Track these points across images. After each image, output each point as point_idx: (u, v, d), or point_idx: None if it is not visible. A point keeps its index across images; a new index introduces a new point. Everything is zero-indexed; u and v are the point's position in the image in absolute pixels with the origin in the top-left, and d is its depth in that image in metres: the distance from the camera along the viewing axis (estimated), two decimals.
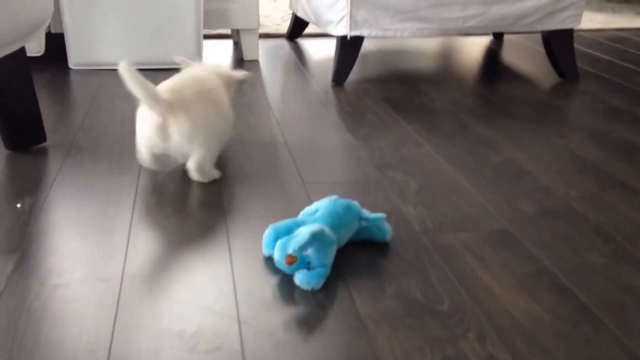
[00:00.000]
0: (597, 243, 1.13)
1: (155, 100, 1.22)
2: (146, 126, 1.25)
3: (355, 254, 1.07)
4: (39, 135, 1.47)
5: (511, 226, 1.18)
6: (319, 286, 0.97)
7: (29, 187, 1.28)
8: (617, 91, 2.04)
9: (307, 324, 0.89)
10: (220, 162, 1.41)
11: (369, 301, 0.95)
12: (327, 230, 1.01)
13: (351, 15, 1.95)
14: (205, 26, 2.22)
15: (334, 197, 1.11)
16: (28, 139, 1.46)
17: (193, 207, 1.22)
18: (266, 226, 1.07)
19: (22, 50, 1.39)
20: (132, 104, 1.79)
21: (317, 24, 2.23)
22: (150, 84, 1.21)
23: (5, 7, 1.17)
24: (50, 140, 1.50)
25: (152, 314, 0.91)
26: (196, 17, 2.10)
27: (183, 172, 1.36)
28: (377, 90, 1.99)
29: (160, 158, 1.31)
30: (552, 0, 2.04)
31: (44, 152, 1.45)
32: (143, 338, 0.86)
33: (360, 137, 1.60)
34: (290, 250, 0.97)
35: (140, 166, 1.38)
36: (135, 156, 1.43)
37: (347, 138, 1.59)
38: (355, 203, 1.11)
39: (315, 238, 0.98)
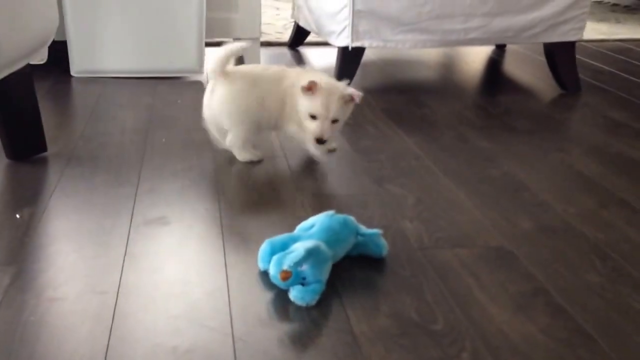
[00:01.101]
0: (594, 262, 1.13)
1: (218, 68, 1.43)
2: (205, 92, 1.48)
3: (351, 270, 1.07)
4: (40, 145, 1.47)
5: (508, 243, 1.18)
6: (313, 302, 0.97)
7: (28, 198, 1.29)
8: (619, 104, 2.04)
9: (302, 341, 0.90)
10: (218, 175, 1.42)
11: (364, 319, 0.95)
12: (323, 246, 1.01)
13: (353, 26, 1.96)
14: (208, 35, 2.23)
15: (330, 212, 1.11)
16: (29, 148, 1.46)
17: (191, 220, 1.22)
18: (263, 241, 1.07)
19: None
20: (133, 113, 1.80)
21: (318, 33, 2.24)
22: (227, 56, 1.43)
23: (13, 24, 1.18)
24: (51, 149, 1.50)
25: (148, 328, 0.91)
26: (198, 26, 2.11)
27: (182, 183, 1.36)
28: (377, 101, 1.99)
29: (218, 131, 1.50)
30: (554, 12, 2.04)
31: (44, 161, 1.46)
32: (138, 353, 0.86)
33: (359, 149, 1.60)
34: (285, 266, 0.97)
35: (139, 178, 1.38)
36: (134, 168, 1.44)
37: (347, 150, 1.59)
38: (351, 218, 1.11)
39: (311, 254, 0.98)
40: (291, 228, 1.20)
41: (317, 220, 1.09)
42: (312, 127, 1.42)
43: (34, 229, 1.17)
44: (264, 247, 1.05)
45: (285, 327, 0.92)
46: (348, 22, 1.95)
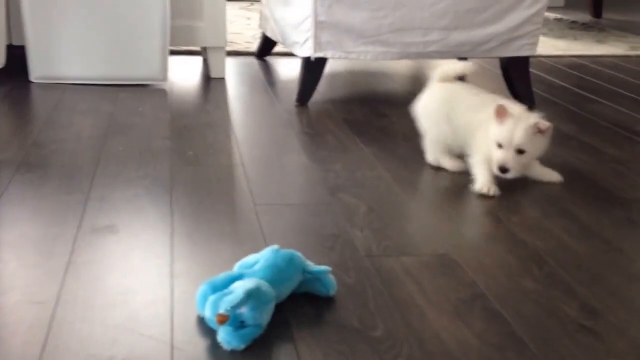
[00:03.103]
0: (532, 269, 1.16)
1: (441, 74, 1.64)
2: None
3: None
4: None
5: (452, 251, 1.21)
6: (241, 347, 0.90)
7: None
8: (569, 118, 2.10)
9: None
10: (173, 183, 1.43)
11: (305, 326, 0.97)
12: (265, 287, 0.95)
13: (315, 37, 1.99)
14: (173, 43, 2.24)
15: (275, 247, 1.04)
16: None
17: (140, 228, 1.23)
18: (213, 251, 1.07)
19: None
20: (91, 120, 1.80)
21: (284, 44, 2.27)
22: (454, 69, 1.63)
23: None
24: (1, 156, 1.48)
25: (84, 339, 0.91)
26: (162, 33, 2.12)
27: (135, 192, 1.37)
28: (339, 111, 2.02)
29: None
30: (509, 28, 2.09)
31: None
32: None
33: (316, 159, 1.63)
34: (222, 310, 0.90)
35: (91, 186, 1.39)
36: (86, 175, 1.43)
37: (304, 160, 1.62)
38: (298, 254, 1.04)
39: (251, 296, 0.92)
40: (243, 237, 1.22)
41: (262, 257, 1.03)
42: (496, 155, 1.43)
43: None
44: (203, 289, 0.97)
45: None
46: (311, 32, 1.98)
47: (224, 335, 0.90)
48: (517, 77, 2.19)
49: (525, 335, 0.97)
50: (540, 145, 1.45)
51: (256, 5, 3.71)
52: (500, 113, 1.42)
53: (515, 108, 1.46)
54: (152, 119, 1.84)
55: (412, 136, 1.78)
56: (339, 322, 0.98)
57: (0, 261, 1.09)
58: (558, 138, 1.88)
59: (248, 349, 0.91)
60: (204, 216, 1.29)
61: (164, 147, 1.62)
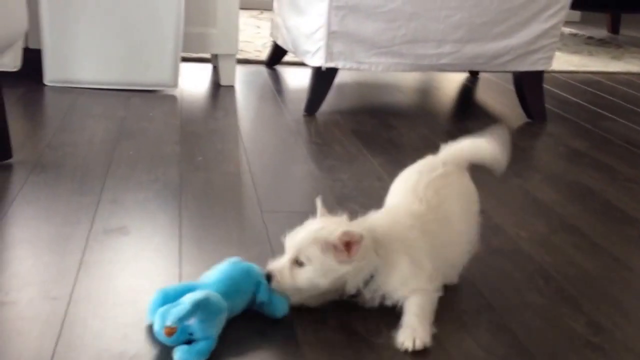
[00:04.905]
0: (539, 283, 1.16)
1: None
2: None
3: None
4: (5, 152, 1.48)
5: None
6: None
7: None
8: (581, 134, 2.10)
9: (247, 346, 0.92)
10: (183, 188, 1.44)
11: (310, 330, 0.97)
12: (215, 297, 0.93)
13: (327, 47, 2.00)
14: (185, 49, 2.26)
15: (235, 258, 1.03)
16: None
17: (150, 231, 1.24)
18: (220, 255, 1.08)
19: None
20: (103, 124, 1.82)
21: (295, 53, 2.28)
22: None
23: None
24: (16, 157, 1.51)
25: (96, 334, 0.93)
26: (175, 39, 2.14)
27: (145, 195, 1.38)
28: (347, 122, 2.03)
29: None
30: (524, 42, 2.09)
31: (8, 168, 1.47)
32: (84, 358, 0.87)
33: (324, 168, 1.63)
34: (169, 322, 0.89)
35: (103, 188, 1.40)
36: (98, 178, 1.45)
37: (312, 169, 1.63)
38: (256, 268, 1.02)
39: (199, 307, 0.90)
40: (249, 243, 1.22)
41: (219, 269, 1.01)
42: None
43: None
44: (156, 297, 0.95)
45: (233, 335, 0.94)
46: (323, 42, 1.99)
47: (180, 355, 0.87)
48: (530, 92, 2.19)
49: (532, 349, 0.97)
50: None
51: (266, 14, 3.73)
52: None
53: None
54: (163, 125, 1.86)
55: (420, 148, 1.79)
56: (345, 326, 0.99)
57: (16, 258, 1.12)
58: (570, 155, 1.88)
59: (253, 351, 0.92)
60: (212, 221, 1.30)
61: (173, 152, 1.63)
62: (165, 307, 0.91)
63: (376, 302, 1.03)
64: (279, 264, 1.00)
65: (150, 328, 0.93)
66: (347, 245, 0.97)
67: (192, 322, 0.89)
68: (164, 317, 0.90)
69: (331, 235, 0.98)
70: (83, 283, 1.05)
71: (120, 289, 1.05)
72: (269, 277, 0.99)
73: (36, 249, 1.15)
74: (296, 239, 1.00)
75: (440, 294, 1.03)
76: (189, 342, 0.90)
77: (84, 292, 1.03)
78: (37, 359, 0.86)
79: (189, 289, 0.95)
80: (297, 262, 0.99)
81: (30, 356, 0.87)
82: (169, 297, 0.94)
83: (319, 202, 1.07)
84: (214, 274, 0.99)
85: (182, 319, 0.88)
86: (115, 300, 1.01)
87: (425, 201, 1.09)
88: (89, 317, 0.96)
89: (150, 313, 0.94)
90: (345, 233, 0.97)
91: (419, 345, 0.94)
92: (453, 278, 1.12)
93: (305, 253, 0.98)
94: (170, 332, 0.88)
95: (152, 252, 1.17)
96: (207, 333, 0.90)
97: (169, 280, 1.08)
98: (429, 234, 1.06)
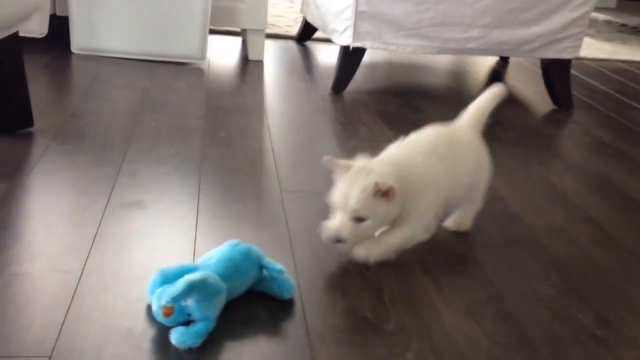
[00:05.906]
0: (550, 274, 1.16)
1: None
2: None
3: (313, 266, 1.11)
4: (26, 119, 1.48)
5: (472, 251, 1.21)
6: (196, 345, 0.88)
7: (7, 173, 1.30)
8: (607, 124, 2.06)
9: (258, 328, 0.93)
10: (203, 163, 1.45)
11: (319, 315, 0.99)
12: (213, 278, 0.93)
13: (355, 27, 1.99)
14: (213, 23, 2.26)
15: (234, 241, 1.03)
16: (14, 122, 1.47)
17: (167, 206, 1.25)
18: (236, 233, 1.09)
19: (15, 32, 1.39)
20: (127, 94, 1.84)
21: (323, 30, 2.28)
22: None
23: None
24: (38, 125, 1.51)
25: (105, 309, 0.94)
26: (203, 12, 2.15)
27: (165, 169, 1.40)
28: (373, 102, 2.02)
29: None
30: (552, 29, 2.06)
31: (29, 136, 1.48)
32: (91, 332, 0.89)
33: (346, 148, 1.64)
34: (163, 302, 0.89)
35: (123, 160, 1.42)
36: (119, 149, 1.47)
37: (334, 149, 1.63)
38: (255, 249, 1.02)
39: (194, 288, 0.90)
40: (266, 221, 1.24)
41: (219, 250, 1.01)
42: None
43: (9, 204, 1.19)
44: (154, 277, 0.96)
45: (235, 318, 0.95)
46: (351, 22, 1.99)
47: (176, 336, 0.88)
48: (557, 80, 2.16)
49: (536, 339, 0.98)
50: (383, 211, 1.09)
51: None
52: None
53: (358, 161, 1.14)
54: (187, 98, 1.87)
55: None
56: (353, 312, 1.00)
57: (30, 229, 1.13)
58: (594, 145, 1.86)
59: (260, 336, 0.93)
60: (230, 198, 1.31)
61: (196, 126, 1.65)
62: (162, 287, 0.92)
63: None
64: (341, 225, 1.08)
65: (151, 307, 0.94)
66: (385, 193, 1.07)
67: (190, 302, 0.90)
68: (160, 298, 0.90)
69: (378, 187, 1.06)
70: (96, 256, 1.06)
71: (134, 264, 1.05)
72: (339, 241, 1.08)
73: (51, 220, 1.15)
74: (351, 198, 1.08)
75: (425, 238, 1.16)
76: (187, 323, 0.90)
77: (96, 265, 1.03)
78: (46, 331, 0.88)
79: (188, 270, 0.96)
80: (359, 219, 1.08)
81: (39, 327, 0.88)
82: (168, 278, 0.95)
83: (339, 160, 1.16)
84: (213, 256, 1.00)
85: (176, 298, 0.89)
86: (127, 276, 1.02)
87: (440, 144, 1.22)
88: (100, 291, 0.97)
89: (149, 293, 0.95)
90: (381, 184, 1.06)
91: (369, 260, 1.10)
92: (467, 222, 1.28)
93: (365, 210, 1.07)
94: (168, 312, 0.89)
95: (168, 228, 1.17)
96: (205, 314, 0.90)
97: (183, 257, 1.09)
98: (446, 165, 1.18)
